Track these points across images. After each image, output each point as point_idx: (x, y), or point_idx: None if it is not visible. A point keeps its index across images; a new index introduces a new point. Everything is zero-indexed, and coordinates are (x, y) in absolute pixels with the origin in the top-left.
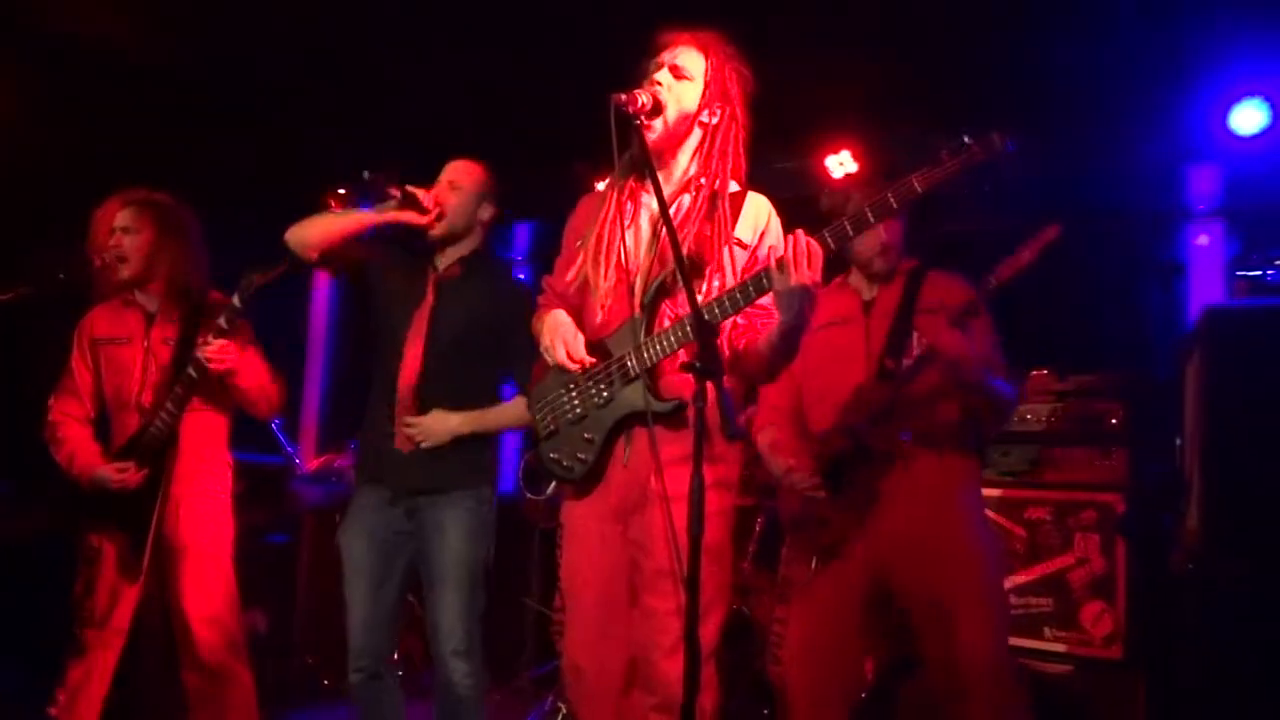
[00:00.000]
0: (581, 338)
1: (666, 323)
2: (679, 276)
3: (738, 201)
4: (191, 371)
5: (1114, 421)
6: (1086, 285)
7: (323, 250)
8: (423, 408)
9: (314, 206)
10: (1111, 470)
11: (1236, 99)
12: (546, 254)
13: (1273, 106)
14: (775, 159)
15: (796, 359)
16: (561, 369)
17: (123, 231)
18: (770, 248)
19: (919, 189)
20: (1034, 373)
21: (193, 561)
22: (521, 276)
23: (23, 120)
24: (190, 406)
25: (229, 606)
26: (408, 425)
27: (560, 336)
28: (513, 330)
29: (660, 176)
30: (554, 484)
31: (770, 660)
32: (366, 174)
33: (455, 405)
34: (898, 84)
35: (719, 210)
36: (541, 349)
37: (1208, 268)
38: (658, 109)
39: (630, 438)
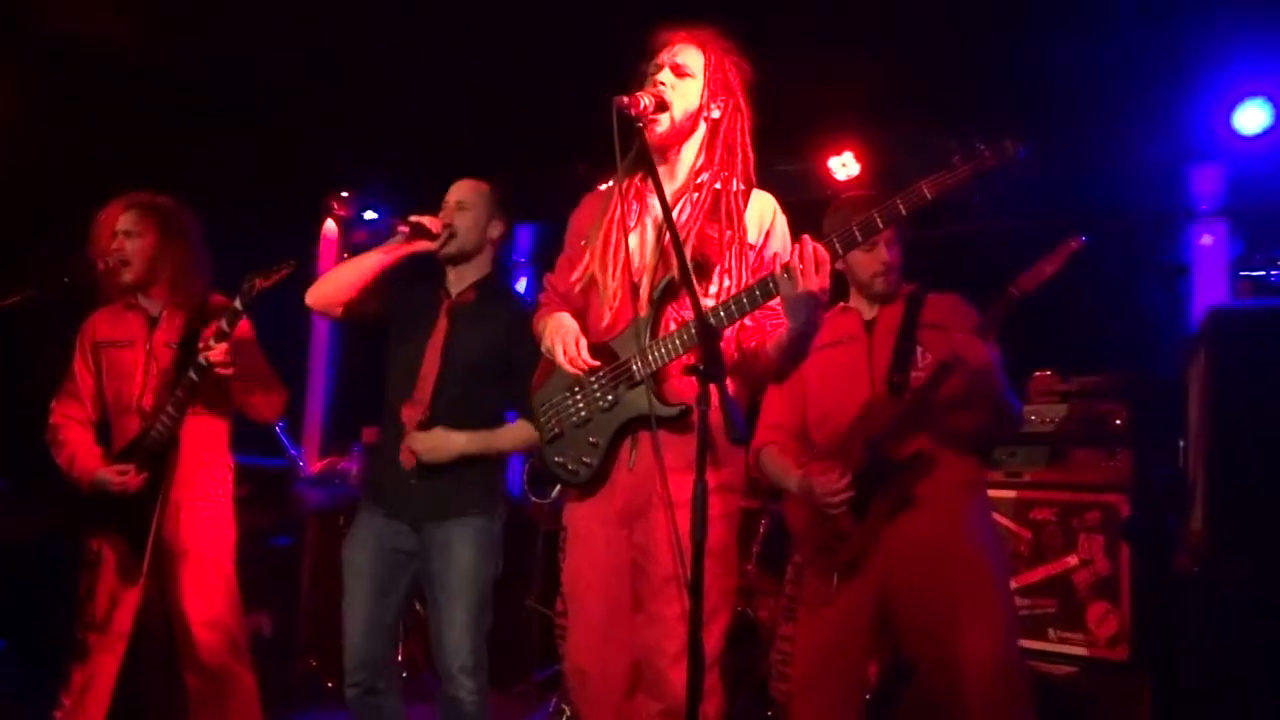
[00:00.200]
0: (585, 341)
1: (672, 325)
2: (684, 279)
3: (743, 200)
4: (193, 375)
5: (1118, 422)
6: (1090, 286)
7: (346, 304)
8: (437, 425)
9: (315, 208)
10: (1116, 471)
11: (1240, 99)
12: (549, 256)
13: (1276, 106)
14: (777, 161)
15: (799, 378)
16: (564, 372)
17: (125, 235)
18: (775, 254)
19: (929, 195)
20: (1038, 374)
21: (193, 564)
22: (524, 279)
23: (22, 120)
24: (191, 410)
25: (230, 609)
26: (413, 441)
27: (563, 338)
28: (524, 359)
29: (666, 174)
30: (559, 487)
31: (776, 678)
32: (368, 214)
33: (467, 416)
34: (900, 85)
35: (725, 209)
36: (544, 350)
37: (1211, 268)
38: (663, 107)
39: (635, 441)
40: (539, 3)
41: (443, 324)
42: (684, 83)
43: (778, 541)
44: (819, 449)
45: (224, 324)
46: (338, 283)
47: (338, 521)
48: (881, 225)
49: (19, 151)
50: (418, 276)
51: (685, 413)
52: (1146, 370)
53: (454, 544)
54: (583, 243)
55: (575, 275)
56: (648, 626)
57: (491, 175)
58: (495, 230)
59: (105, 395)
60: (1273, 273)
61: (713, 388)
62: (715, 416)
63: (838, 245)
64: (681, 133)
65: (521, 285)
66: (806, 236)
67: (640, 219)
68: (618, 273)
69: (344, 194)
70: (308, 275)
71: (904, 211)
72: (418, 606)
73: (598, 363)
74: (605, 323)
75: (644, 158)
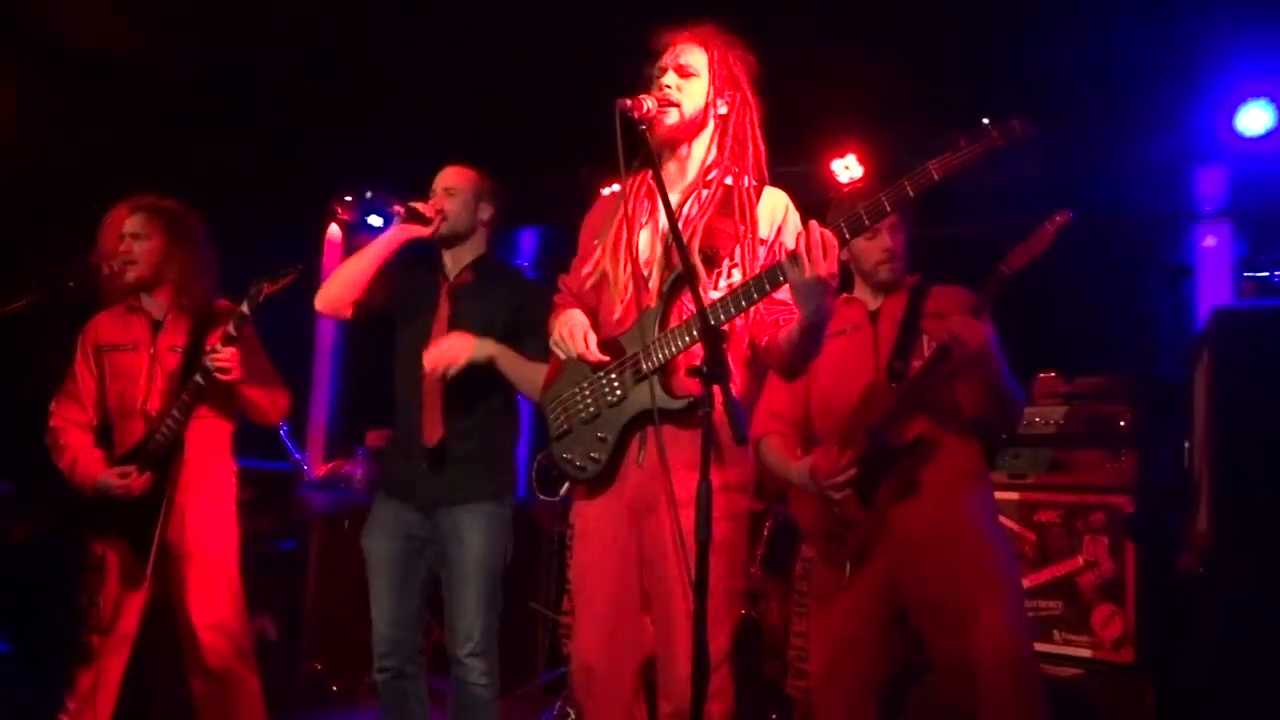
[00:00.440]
0: (593, 334)
1: (684, 316)
2: (686, 277)
3: (755, 195)
4: (199, 379)
5: (1122, 424)
6: (1094, 286)
7: (355, 302)
8: (447, 412)
9: (317, 210)
10: (1120, 473)
11: (1243, 100)
12: (552, 259)
13: (1279, 108)
14: (779, 163)
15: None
16: (574, 368)
17: (132, 237)
18: (781, 243)
19: (936, 176)
20: (1042, 375)
21: (198, 568)
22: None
23: (23, 122)
24: (196, 413)
25: (234, 612)
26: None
27: (571, 330)
28: (534, 318)
29: (677, 170)
30: (567, 486)
31: (793, 674)
32: (369, 193)
33: (475, 410)
34: (903, 86)
35: (737, 203)
36: (552, 344)
37: (1215, 269)
38: (671, 105)
39: (645, 437)
40: (542, 4)
41: (444, 307)
42: (689, 82)
43: (782, 544)
44: (821, 438)
45: (231, 328)
46: (344, 281)
47: (342, 525)
48: (889, 208)
49: (20, 154)
50: (418, 262)
51: (692, 406)
52: (1151, 371)
53: (465, 529)
54: (595, 240)
55: (586, 270)
56: (657, 626)
57: (492, 178)
58: (485, 212)
59: (107, 399)
60: (1277, 273)
61: (716, 388)
62: (720, 417)
63: (845, 230)
64: (691, 128)
65: None
66: (814, 222)
67: (652, 215)
68: (628, 268)
69: (348, 198)
70: (313, 280)
71: (911, 193)
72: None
73: (605, 356)
74: (616, 317)
75: (649, 157)
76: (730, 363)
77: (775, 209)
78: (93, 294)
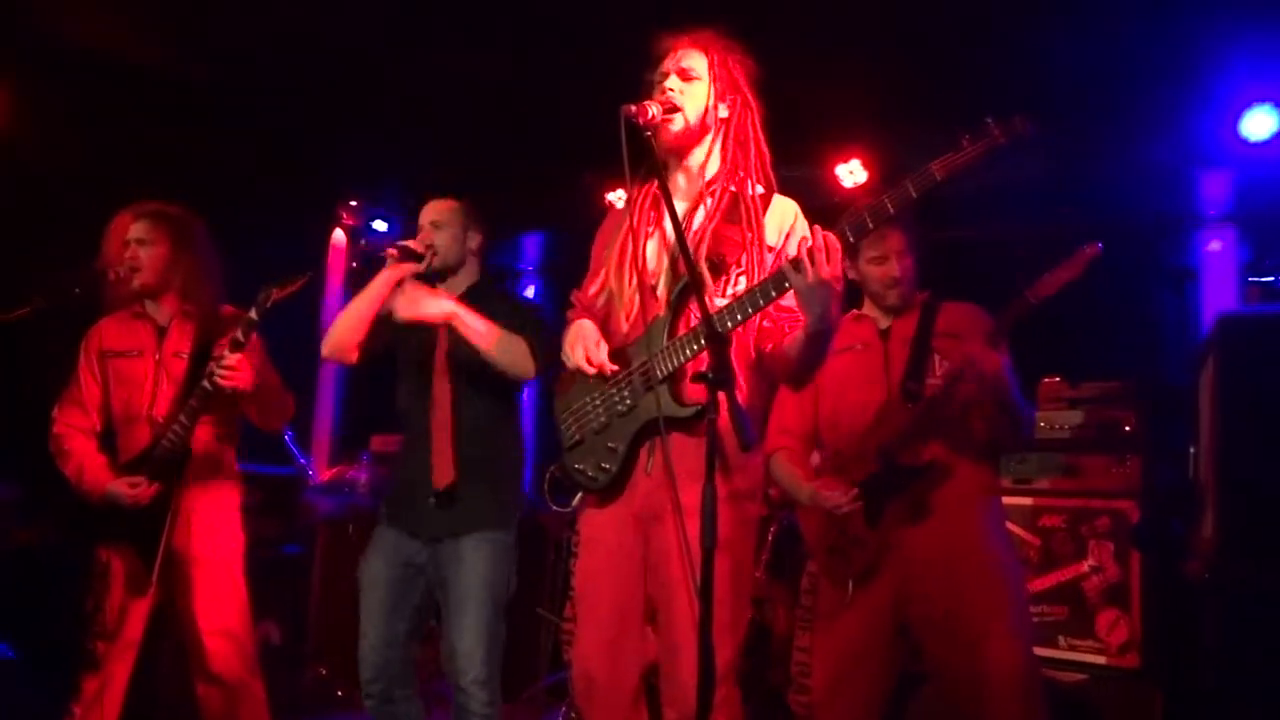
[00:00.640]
0: (605, 345)
1: (692, 325)
2: (692, 285)
3: (764, 203)
4: (207, 384)
5: (1128, 429)
6: (1099, 292)
7: (359, 345)
8: (459, 442)
9: (319, 213)
10: (1125, 477)
11: (1247, 105)
12: (556, 264)
13: None
14: (783, 167)
15: (812, 382)
16: (585, 378)
17: (138, 243)
18: (788, 251)
19: (939, 176)
20: (1047, 380)
21: (204, 573)
22: (532, 287)
23: (22, 125)
24: (201, 419)
25: (240, 618)
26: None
27: (582, 342)
28: (519, 316)
29: (682, 178)
30: (579, 495)
31: (796, 689)
32: (353, 203)
33: (484, 434)
34: (908, 90)
35: (743, 210)
36: (563, 356)
37: (1220, 274)
38: (675, 110)
39: (653, 446)
40: (547, 9)
41: (442, 339)
42: (691, 86)
43: (787, 548)
44: (830, 454)
45: (239, 334)
46: (345, 326)
47: (347, 530)
48: (892, 210)
49: (20, 155)
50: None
51: (699, 414)
52: (1156, 376)
53: (467, 557)
54: (605, 253)
55: (594, 289)
56: (662, 634)
57: (496, 184)
58: (474, 241)
59: (111, 405)
60: None
61: (722, 395)
62: (725, 424)
63: (849, 232)
64: (696, 133)
65: (529, 293)
66: (816, 226)
67: (658, 225)
68: (633, 280)
69: (353, 203)
70: (318, 284)
71: (914, 194)
72: (434, 622)
73: (615, 366)
74: (625, 329)
75: (654, 165)
76: (737, 370)
77: (784, 217)
78: (97, 300)
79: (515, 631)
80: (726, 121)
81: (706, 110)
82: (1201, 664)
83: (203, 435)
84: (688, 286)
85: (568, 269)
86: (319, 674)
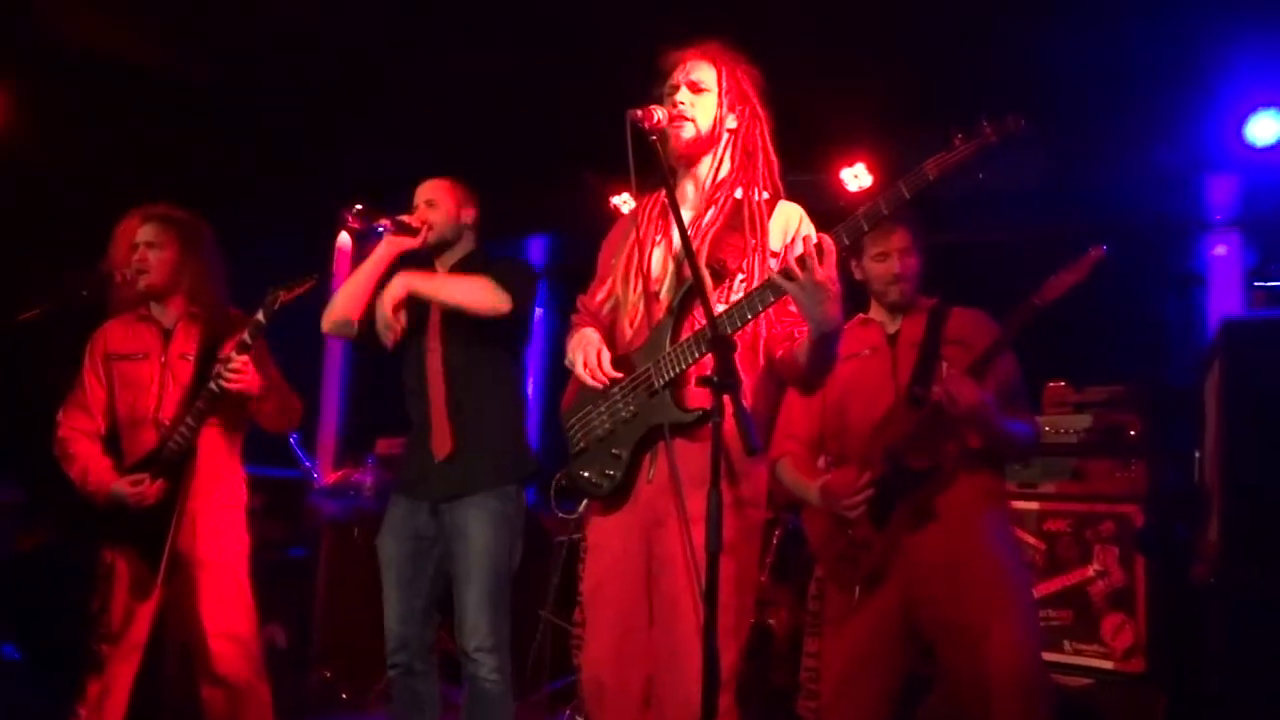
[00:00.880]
0: (608, 353)
1: (698, 329)
2: (695, 288)
3: (768, 209)
4: (213, 387)
5: (1132, 433)
6: (1104, 296)
7: (359, 319)
8: (457, 411)
9: (322, 215)
10: (1130, 482)
11: (1252, 110)
12: (560, 266)
13: None
14: (788, 172)
15: (821, 388)
16: (590, 386)
17: (146, 246)
18: (786, 248)
19: (932, 176)
20: (1051, 384)
21: (209, 576)
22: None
23: (23, 128)
24: (207, 421)
25: (246, 621)
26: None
27: (585, 350)
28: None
29: (691, 187)
30: (585, 502)
31: (805, 695)
32: (359, 207)
33: (479, 399)
34: (912, 95)
35: (747, 216)
36: (567, 364)
37: (1225, 278)
38: (685, 120)
39: (655, 453)
40: (552, 12)
41: (435, 314)
42: (701, 98)
43: (791, 551)
44: (837, 458)
45: (246, 336)
46: (345, 300)
47: (352, 533)
48: (886, 211)
49: (20, 157)
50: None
51: (703, 419)
52: (1161, 380)
53: (468, 524)
54: (613, 261)
55: (601, 295)
56: (663, 640)
57: (500, 186)
58: (468, 215)
59: (117, 407)
60: None
61: (726, 399)
62: (730, 429)
63: (844, 235)
64: (705, 143)
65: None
66: (811, 230)
67: (665, 233)
68: (639, 287)
69: (358, 206)
70: (324, 288)
71: (908, 194)
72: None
73: (619, 374)
74: (629, 336)
75: (661, 170)
76: (742, 374)
77: (789, 221)
78: (103, 302)
79: (519, 634)
80: (735, 132)
81: (716, 122)
82: (1206, 668)
83: (209, 438)
84: (689, 295)
85: (573, 272)
86: (324, 677)
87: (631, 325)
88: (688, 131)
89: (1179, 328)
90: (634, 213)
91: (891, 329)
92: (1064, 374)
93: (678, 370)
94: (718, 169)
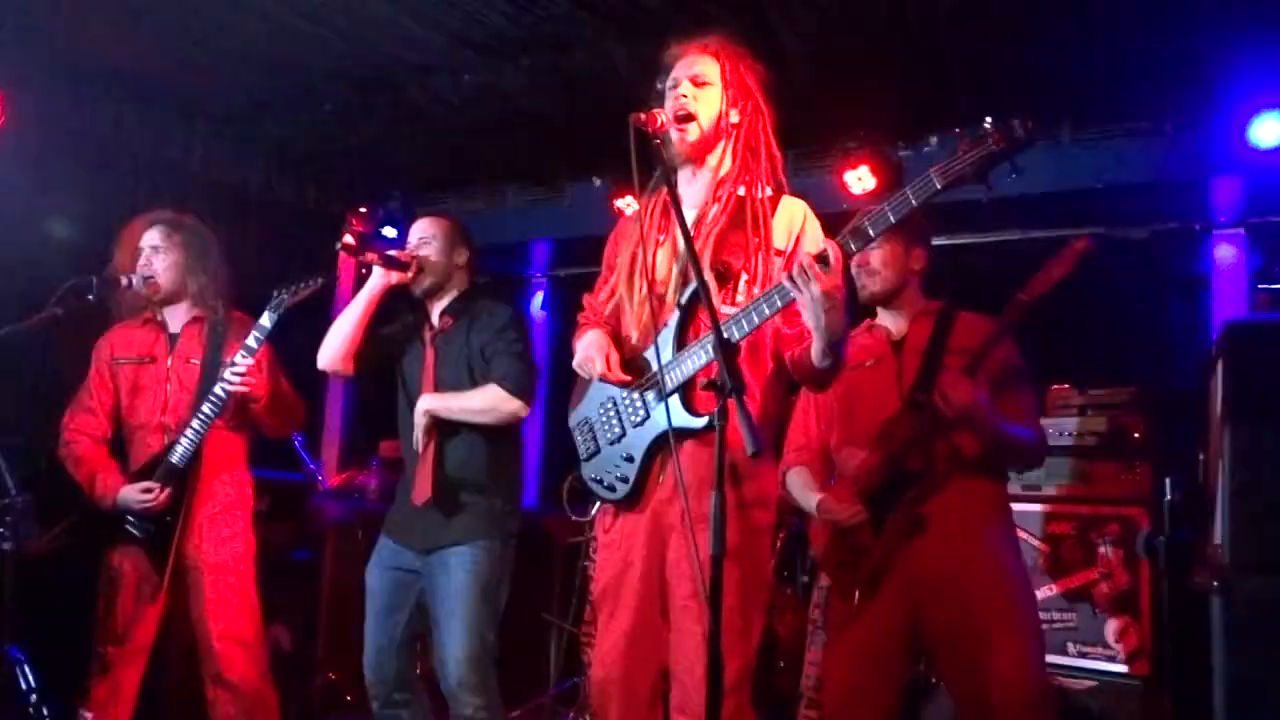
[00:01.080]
0: (615, 355)
1: (703, 331)
2: (700, 293)
3: (772, 205)
4: (219, 390)
5: (1137, 435)
6: (1108, 298)
7: (354, 355)
8: (441, 468)
9: (329, 221)
10: (1134, 484)
11: (1256, 112)
12: (565, 270)
13: None
14: (791, 174)
15: (828, 399)
16: (598, 389)
17: (152, 250)
18: (807, 253)
19: (939, 184)
20: (1055, 386)
21: (215, 579)
22: (541, 293)
23: (22, 123)
24: (212, 424)
25: (251, 623)
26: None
27: (594, 353)
28: (495, 343)
29: (695, 184)
30: (596, 504)
31: (807, 704)
32: (353, 219)
33: (470, 454)
34: (917, 99)
35: (750, 214)
36: (575, 366)
37: (1230, 280)
38: (689, 118)
39: (665, 457)
40: (556, 16)
41: (429, 356)
42: (704, 92)
43: (795, 555)
44: (841, 466)
45: (252, 340)
46: (339, 337)
47: (356, 535)
48: (892, 218)
49: (20, 157)
50: (412, 311)
51: (710, 426)
52: (1165, 383)
53: (454, 564)
54: (617, 261)
55: (603, 297)
56: (677, 643)
57: (502, 188)
58: (461, 257)
59: (123, 411)
60: None
61: (731, 403)
62: (735, 432)
63: (850, 242)
64: (710, 140)
65: (538, 299)
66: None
67: (669, 233)
68: (643, 289)
69: (362, 210)
70: (329, 292)
71: (914, 202)
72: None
73: (629, 377)
74: (635, 338)
75: (664, 174)
76: (749, 377)
77: (793, 218)
78: (109, 307)
79: (522, 638)
80: (738, 127)
81: (719, 116)
82: (1211, 671)
83: (214, 441)
84: (695, 294)
85: (577, 275)
86: (329, 679)
87: (637, 326)
88: (692, 134)
89: (1184, 330)
90: (638, 212)
91: (897, 335)
92: (1068, 376)
93: (685, 375)
94: (720, 165)
